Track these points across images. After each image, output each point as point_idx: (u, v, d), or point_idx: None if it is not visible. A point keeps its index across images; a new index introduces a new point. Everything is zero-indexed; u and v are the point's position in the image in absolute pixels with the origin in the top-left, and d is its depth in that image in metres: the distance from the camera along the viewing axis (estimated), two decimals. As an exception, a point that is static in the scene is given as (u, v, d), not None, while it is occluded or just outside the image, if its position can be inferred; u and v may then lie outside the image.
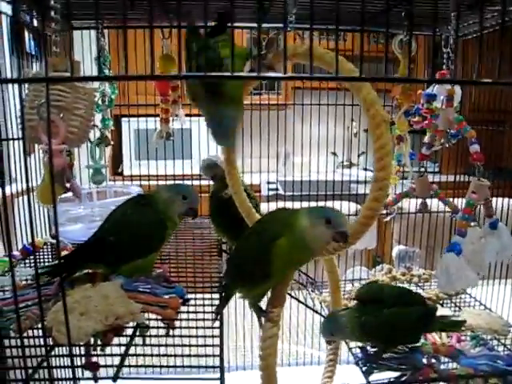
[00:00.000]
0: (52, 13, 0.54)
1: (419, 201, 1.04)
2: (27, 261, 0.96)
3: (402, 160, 1.04)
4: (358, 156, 3.33)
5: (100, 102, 1.03)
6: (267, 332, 0.70)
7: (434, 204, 1.29)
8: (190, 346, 0.64)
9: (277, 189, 2.84)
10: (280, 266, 0.66)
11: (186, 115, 1.15)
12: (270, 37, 2.61)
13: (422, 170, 0.96)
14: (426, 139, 0.96)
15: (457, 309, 1.14)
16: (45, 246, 1.05)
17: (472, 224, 0.79)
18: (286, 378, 0.76)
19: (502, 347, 0.96)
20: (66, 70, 0.62)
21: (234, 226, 0.97)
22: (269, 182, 2.86)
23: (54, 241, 1.02)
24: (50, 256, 1.03)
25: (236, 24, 1.07)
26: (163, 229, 0.78)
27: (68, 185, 0.66)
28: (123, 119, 2.90)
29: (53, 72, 0.61)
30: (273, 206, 1.55)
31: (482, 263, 0.83)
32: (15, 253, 0.94)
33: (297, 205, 1.04)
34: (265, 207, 1.57)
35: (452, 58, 0.86)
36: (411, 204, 1.25)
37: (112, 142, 1.05)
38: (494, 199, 1.26)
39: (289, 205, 1.47)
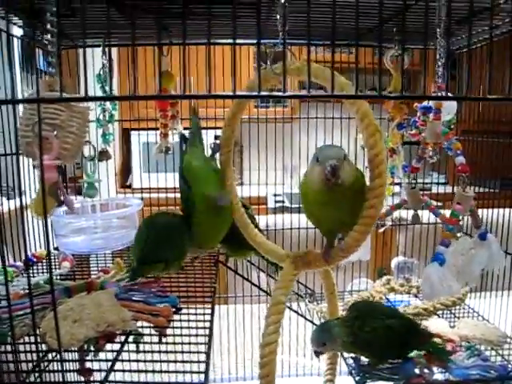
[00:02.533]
0: (49, 36, 0.57)
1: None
2: (30, 271, 1.00)
3: (395, 172, 1.05)
4: (365, 168, 3.33)
5: (101, 117, 1.07)
6: (267, 338, 0.70)
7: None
8: (180, 352, 0.66)
9: (283, 201, 2.85)
10: (308, 206, 0.71)
11: (185, 129, 1.18)
12: (276, 51, 2.64)
13: (413, 182, 0.97)
14: (418, 152, 0.98)
15: (455, 319, 1.14)
16: (47, 257, 1.09)
17: (459, 235, 0.80)
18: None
19: (499, 358, 0.96)
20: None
21: (235, 238, 0.99)
22: (275, 195, 2.87)
23: (56, 252, 1.05)
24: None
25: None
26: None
27: (62, 198, 0.69)
28: (131, 132, 2.96)
29: (48, 91, 0.65)
30: (279, 218, 1.56)
31: (472, 274, 0.84)
32: (18, 263, 0.98)
33: (303, 217, 1.05)
34: (271, 219, 1.58)
35: (440, 72, 0.88)
36: (409, 215, 1.26)
37: (112, 157, 1.09)
38: (501, 210, 1.26)
39: (295, 217, 1.49)
